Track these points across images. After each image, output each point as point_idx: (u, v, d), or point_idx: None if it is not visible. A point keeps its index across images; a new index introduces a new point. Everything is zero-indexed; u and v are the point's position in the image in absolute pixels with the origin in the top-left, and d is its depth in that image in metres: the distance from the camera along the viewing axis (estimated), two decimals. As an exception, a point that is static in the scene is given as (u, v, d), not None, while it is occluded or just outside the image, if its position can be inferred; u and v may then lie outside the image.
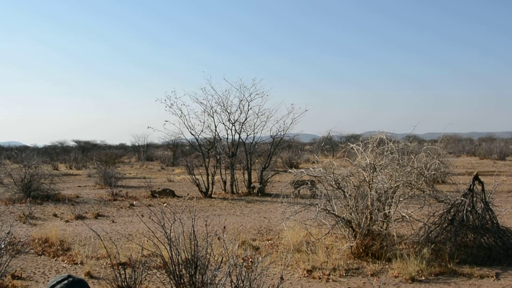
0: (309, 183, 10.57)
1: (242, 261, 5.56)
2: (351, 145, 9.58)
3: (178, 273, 5.88)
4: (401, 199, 8.57)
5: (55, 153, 48.51)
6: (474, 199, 8.68)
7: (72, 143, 55.46)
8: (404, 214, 8.24)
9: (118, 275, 6.44)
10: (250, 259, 5.61)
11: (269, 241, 9.73)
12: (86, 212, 13.75)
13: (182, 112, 17.90)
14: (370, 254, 8.24)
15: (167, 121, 17.47)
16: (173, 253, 5.89)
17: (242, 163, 21.00)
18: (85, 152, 47.96)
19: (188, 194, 17.69)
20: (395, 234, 8.24)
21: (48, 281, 7.30)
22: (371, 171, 8.72)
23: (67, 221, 12.58)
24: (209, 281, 5.62)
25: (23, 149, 48.90)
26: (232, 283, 5.45)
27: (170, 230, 6.06)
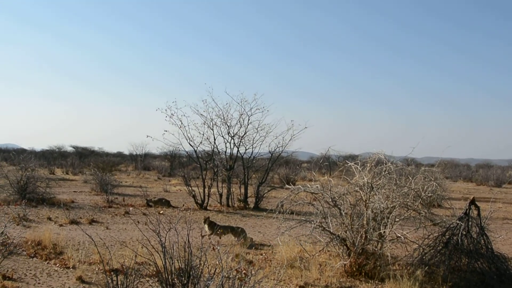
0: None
1: (235, 272, 5.55)
2: (349, 164, 9.61)
3: (170, 281, 5.85)
4: (397, 219, 8.57)
5: (52, 157, 48.52)
6: (470, 223, 8.69)
7: (70, 149, 55.54)
8: (399, 235, 8.22)
9: (110, 281, 6.40)
10: (244, 271, 5.61)
11: (263, 255, 9.70)
12: (80, 217, 13.71)
13: (182, 122, 17.78)
14: (363, 273, 8.21)
15: (166, 131, 17.40)
16: (167, 261, 5.87)
17: (239, 177, 20.97)
18: (83, 158, 48.00)
19: (183, 205, 17.64)
20: (389, 255, 8.23)
21: (39, 283, 7.27)
22: (368, 190, 8.73)
23: (61, 225, 12.54)
24: (201, 291, 5.60)
25: (21, 151, 48.86)
26: (225, 294, 5.43)
27: (165, 238, 6.05)
